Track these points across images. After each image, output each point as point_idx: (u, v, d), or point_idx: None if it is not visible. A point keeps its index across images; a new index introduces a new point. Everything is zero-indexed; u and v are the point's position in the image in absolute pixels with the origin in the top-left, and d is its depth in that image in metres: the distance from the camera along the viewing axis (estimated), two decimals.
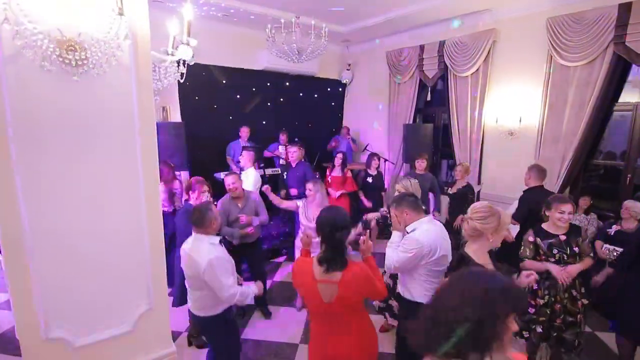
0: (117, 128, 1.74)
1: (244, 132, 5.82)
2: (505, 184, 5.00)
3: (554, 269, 2.42)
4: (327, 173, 5.34)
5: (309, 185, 3.48)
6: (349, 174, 5.31)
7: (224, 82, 5.97)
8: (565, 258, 2.44)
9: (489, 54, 5.00)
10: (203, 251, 2.10)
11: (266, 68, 6.25)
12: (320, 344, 1.80)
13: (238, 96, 6.17)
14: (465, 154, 5.40)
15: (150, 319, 1.75)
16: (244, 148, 5.52)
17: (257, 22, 5.40)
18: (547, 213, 2.56)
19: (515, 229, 3.51)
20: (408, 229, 2.27)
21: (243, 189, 3.54)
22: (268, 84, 6.44)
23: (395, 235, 2.34)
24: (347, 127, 6.85)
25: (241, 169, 4.51)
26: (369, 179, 5.20)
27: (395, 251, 2.23)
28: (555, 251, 2.46)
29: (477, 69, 5.12)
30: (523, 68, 4.72)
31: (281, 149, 6.09)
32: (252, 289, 2.28)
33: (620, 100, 4.20)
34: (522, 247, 2.61)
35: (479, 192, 5.36)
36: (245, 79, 6.20)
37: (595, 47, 3.98)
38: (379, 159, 5.31)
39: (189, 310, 2.36)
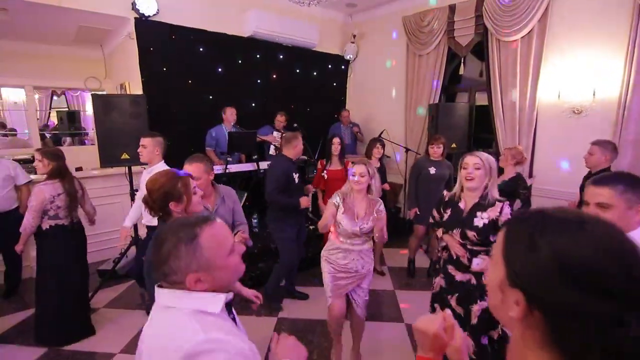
0: None
1: (230, 114, 4.46)
2: (565, 176, 3.96)
3: None
4: (319, 167, 3.97)
5: (361, 169, 2.29)
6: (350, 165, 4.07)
7: (202, 50, 4.58)
8: None
9: (547, 9, 3.90)
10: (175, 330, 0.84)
11: (255, 34, 4.91)
12: None
13: (220, 69, 4.79)
14: (513, 139, 4.29)
15: None
16: (229, 134, 4.19)
17: None
18: None
19: None
20: None
21: (212, 183, 2.29)
22: (257, 56, 5.10)
23: None
24: (347, 111, 5.59)
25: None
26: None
27: None
28: None
29: (531, 31, 4.02)
30: (597, 25, 3.63)
31: (276, 134, 4.79)
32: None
33: None
34: None
35: (530, 186, 4.28)
36: (229, 48, 4.83)
37: None
38: (382, 146, 4.01)
39: None
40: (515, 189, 3.31)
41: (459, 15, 4.61)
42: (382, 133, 5.22)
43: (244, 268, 0.97)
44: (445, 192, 2.29)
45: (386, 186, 3.96)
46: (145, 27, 4.11)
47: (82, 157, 5.16)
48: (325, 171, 3.84)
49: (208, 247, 0.87)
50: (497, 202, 2.02)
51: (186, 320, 0.83)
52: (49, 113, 8.78)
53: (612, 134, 3.61)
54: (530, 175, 4.27)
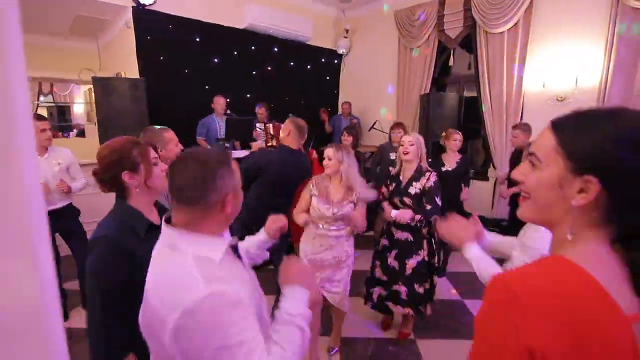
0: None
1: (217, 102, 4.31)
2: None
3: None
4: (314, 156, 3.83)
5: (329, 152, 2.25)
6: (314, 154, 3.78)
7: (198, 40, 4.66)
8: None
9: (531, 2, 4.09)
10: (179, 279, 0.83)
11: (250, 26, 5.01)
12: None
13: (216, 60, 4.87)
14: (500, 127, 4.46)
15: None
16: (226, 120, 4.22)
17: None
18: None
19: None
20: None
21: None
22: (252, 48, 5.19)
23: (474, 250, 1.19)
24: (348, 103, 5.71)
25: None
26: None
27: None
28: None
29: (517, 23, 4.20)
30: (578, 16, 3.83)
31: (259, 127, 4.52)
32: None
33: None
34: None
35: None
36: (225, 39, 4.91)
37: None
38: (351, 135, 3.85)
39: None
40: (467, 169, 3.61)
41: (449, 9, 4.78)
42: (374, 124, 5.36)
43: None
44: (390, 169, 2.71)
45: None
46: (143, 16, 4.17)
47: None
48: None
49: (236, 171, 0.96)
50: (427, 172, 2.45)
51: (189, 269, 0.82)
52: (36, 109, 8.64)
53: None
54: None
